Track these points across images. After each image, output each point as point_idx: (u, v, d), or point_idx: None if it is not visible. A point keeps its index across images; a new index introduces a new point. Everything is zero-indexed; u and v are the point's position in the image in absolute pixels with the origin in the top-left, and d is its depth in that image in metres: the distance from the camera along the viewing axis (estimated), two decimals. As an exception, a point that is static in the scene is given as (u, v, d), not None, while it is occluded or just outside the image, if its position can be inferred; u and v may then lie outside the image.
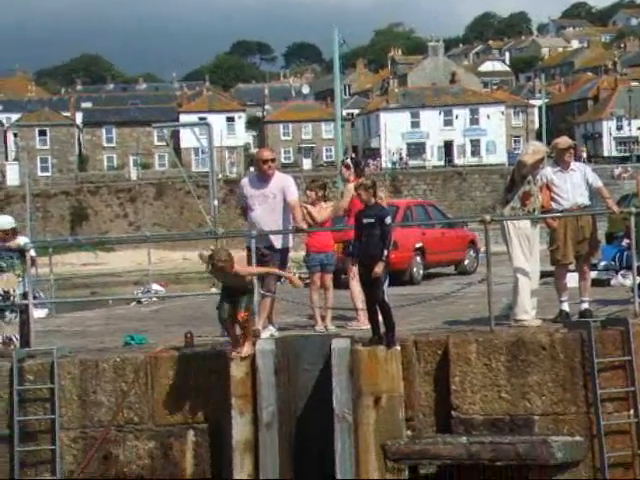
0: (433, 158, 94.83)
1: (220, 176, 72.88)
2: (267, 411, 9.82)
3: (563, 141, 11.61)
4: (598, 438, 9.71)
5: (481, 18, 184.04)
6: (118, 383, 10.26)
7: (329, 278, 11.98)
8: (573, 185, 11.31)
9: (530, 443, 9.67)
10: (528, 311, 10.84)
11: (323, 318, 11.78)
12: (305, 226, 11.53)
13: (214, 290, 28.50)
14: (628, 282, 13.86)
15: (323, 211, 12.11)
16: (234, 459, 9.83)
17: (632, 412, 9.84)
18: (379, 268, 9.96)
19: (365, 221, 10.17)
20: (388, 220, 10.18)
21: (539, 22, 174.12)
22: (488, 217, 10.87)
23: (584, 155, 77.94)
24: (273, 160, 11.52)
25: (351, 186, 11.42)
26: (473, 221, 24.08)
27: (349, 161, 12.65)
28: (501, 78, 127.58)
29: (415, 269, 18.62)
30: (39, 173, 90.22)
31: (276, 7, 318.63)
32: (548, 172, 11.37)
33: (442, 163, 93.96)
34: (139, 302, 36.43)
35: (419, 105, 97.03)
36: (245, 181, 11.74)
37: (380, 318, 10.09)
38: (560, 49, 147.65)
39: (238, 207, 11.71)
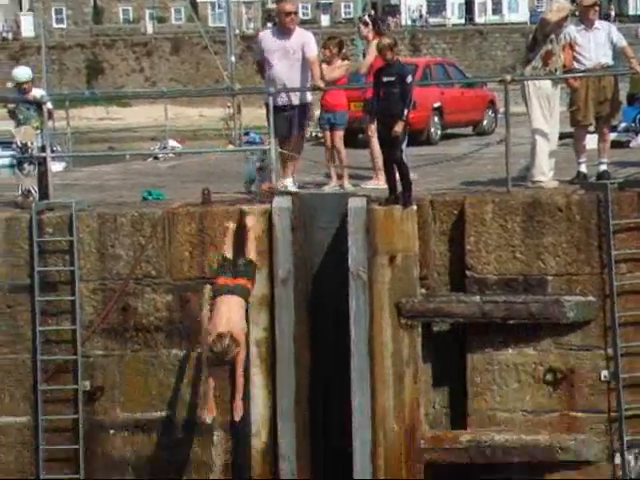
0: (454, 16, 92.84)
1: (237, 31, 71.72)
2: (283, 267, 9.93)
3: None
4: (610, 298, 9.81)
5: None
6: (136, 237, 10.33)
7: (338, 137, 11.92)
8: (596, 44, 11.10)
9: (543, 302, 9.80)
10: (545, 172, 10.81)
11: (340, 177, 11.80)
12: (322, 84, 11.39)
13: (231, 147, 28.60)
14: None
15: (337, 70, 11.97)
16: (250, 313, 9.99)
17: (645, 273, 9.91)
18: (399, 127, 9.90)
19: (385, 79, 10.05)
20: (409, 79, 10.06)
21: None
22: (508, 77, 10.71)
23: (612, 14, 75.79)
24: (295, 13, 11.35)
25: (374, 43, 11.24)
26: (493, 81, 23.86)
27: (367, 18, 12.42)
28: None
29: (433, 129, 18.50)
30: (54, 24, 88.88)
31: None
32: (571, 30, 11.15)
33: (463, 21, 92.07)
34: (156, 158, 36.57)
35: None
36: (265, 34, 11.55)
37: (397, 177, 10.09)
38: None
39: (255, 62, 11.51)
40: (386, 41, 10.22)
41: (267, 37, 11.37)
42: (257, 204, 10.33)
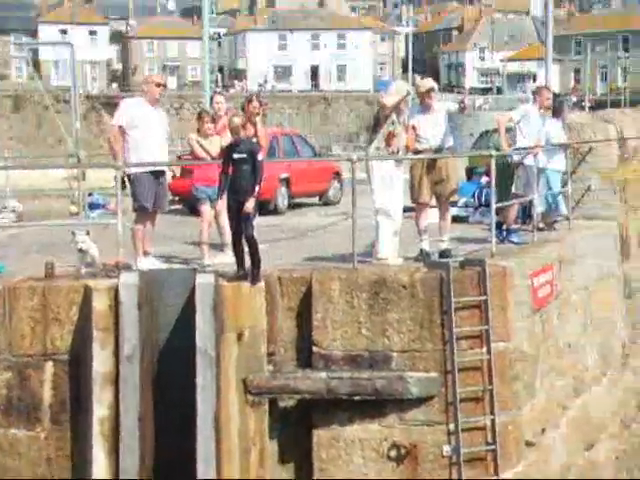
0: (300, 82, 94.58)
1: (81, 91, 70.84)
2: (129, 344, 9.76)
3: (423, 84, 11.86)
4: (452, 374, 10.06)
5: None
6: (-26, 312, 10.01)
7: (218, 211, 11.95)
8: (434, 126, 11.56)
9: (387, 378, 9.97)
10: (390, 250, 11.07)
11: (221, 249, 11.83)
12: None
13: (73, 209, 28.01)
14: (486, 220, 14.28)
15: (216, 143, 12.08)
16: (94, 391, 9.76)
17: (485, 349, 10.22)
18: (250, 203, 9.98)
19: (236, 156, 10.14)
20: (260, 156, 10.18)
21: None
22: (355, 156, 10.98)
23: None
24: (165, 86, 11.64)
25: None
26: (340, 160, 24.38)
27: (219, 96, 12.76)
28: (369, 3, 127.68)
29: (280, 199, 18.71)
30: None
31: None
32: (412, 113, 11.59)
33: (308, 87, 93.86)
34: (-6, 220, 35.42)
35: (287, 28, 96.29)
36: (131, 102, 11.46)
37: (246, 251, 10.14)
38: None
39: (114, 127, 11.16)
40: (237, 120, 10.32)
41: (134, 105, 11.28)
42: (104, 279, 10.17)
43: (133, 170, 11.02)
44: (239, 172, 10.08)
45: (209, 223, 12.03)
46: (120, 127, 11.10)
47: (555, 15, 33.97)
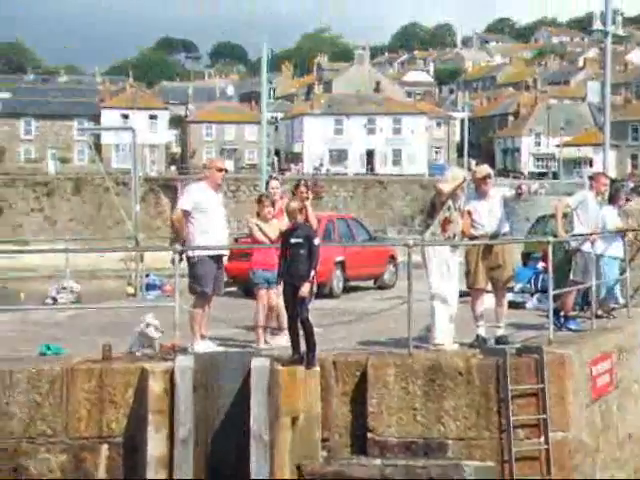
0: (355, 166, 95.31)
1: (140, 174, 72.10)
2: (184, 428, 9.77)
3: (480, 170, 11.90)
4: (509, 463, 9.89)
5: (407, 27, 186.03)
6: (32, 395, 10.10)
7: (275, 296, 11.99)
8: (490, 213, 11.55)
9: (443, 467, 9.83)
10: (446, 336, 10.99)
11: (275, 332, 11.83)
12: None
13: (130, 290, 28.26)
14: (543, 306, 14.14)
15: (275, 228, 12.18)
16: (148, 475, 9.76)
17: (542, 439, 10.05)
18: (305, 288, 10.02)
19: (293, 241, 10.22)
20: (316, 241, 10.25)
21: (464, 35, 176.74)
22: (411, 242, 10.99)
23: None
24: (227, 171, 11.85)
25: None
26: (397, 244, 24.39)
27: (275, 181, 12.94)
28: (424, 88, 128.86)
29: (335, 282, 18.74)
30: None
31: (202, 3, 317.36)
32: (469, 199, 11.61)
33: (364, 171, 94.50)
34: (54, 300, 35.84)
35: (343, 112, 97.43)
36: (196, 187, 11.57)
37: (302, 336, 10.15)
38: (483, 63, 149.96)
39: (180, 211, 11.31)
40: (295, 204, 10.43)
41: (198, 190, 11.41)
42: (159, 362, 10.22)
43: (197, 253, 11.11)
44: (296, 256, 10.16)
45: (264, 306, 12.07)
46: (185, 211, 11.26)
47: (612, 101, 33.99)
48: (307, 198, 12.87)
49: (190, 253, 11.13)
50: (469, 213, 11.44)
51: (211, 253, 11.17)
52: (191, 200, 11.23)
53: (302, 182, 13.28)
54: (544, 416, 10.04)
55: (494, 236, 11.56)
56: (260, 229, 12.20)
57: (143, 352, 10.71)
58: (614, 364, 11.79)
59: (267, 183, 13.36)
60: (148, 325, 10.76)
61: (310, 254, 10.14)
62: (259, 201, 12.54)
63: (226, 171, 11.76)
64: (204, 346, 11.00)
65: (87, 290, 40.39)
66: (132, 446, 10.06)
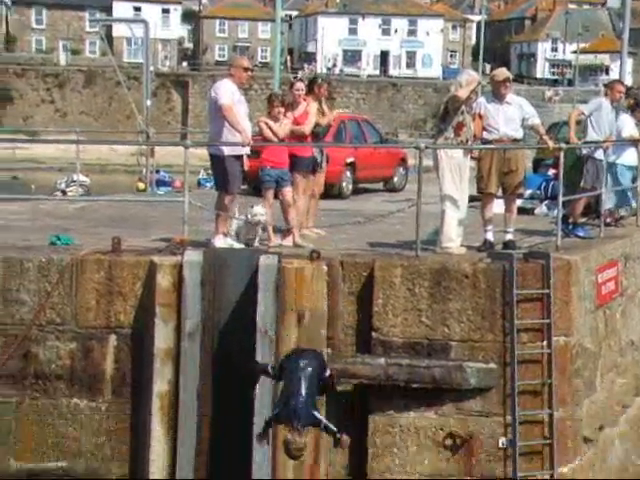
0: (368, 67, 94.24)
1: (152, 69, 71.45)
2: (191, 321, 9.90)
3: (499, 73, 11.73)
4: (511, 366, 10.00)
5: None
6: (42, 283, 10.20)
7: (289, 193, 12.01)
8: (506, 118, 11.42)
9: (446, 368, 9.95)
10: (453, 239, 11.02)
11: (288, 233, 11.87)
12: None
13: (141, 186, 28.29)
14: (552, 213, 14.14)
15: (284, 126, 12.13)
16: (155, 366, 9.91)
17: (545, 343, 10.14)
18: None
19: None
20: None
21: None
22: (423, 144, 10.92)
23: None
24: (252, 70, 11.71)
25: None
26: (408, 147, 24.25)
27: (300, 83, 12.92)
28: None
29: (345, 183, 18.74)
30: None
31: None
32: (483, 102, 11.48)
33: (377, 73, 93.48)
34: (64, 192, 35.95)
35: (358, 12, 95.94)
36: (228, 83, 11.34)
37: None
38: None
39: (222, 106, 11.11)
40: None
41: (231, 87, 11.20)
42: (168, 256, 10.30)
43: (227, 152, 11.03)
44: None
45: (272, 206, 12.07)
46: (227, 105, 10.92)
47: (633, 7, 33.34)
48: (325, 96, 12.81)
49: (219, 151, 11.03)
50: (480, 116, 11.32)
51: (238, 151, 11.09)
52: (229, 95, 11.06)
53: (319, 80, 13.17)
54: (548, 321, 10.11)
55: (511, 142, 11.43)
56: (269, 128, 12.14)
57: (247, 237, 11.16)
58: (620, 272, 11.84)
59: (291, 85, 13.20)
60: (255, 215, 11.12)
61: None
62: (269, 100, 12.46)
63: (252, 70, 11.57)
64: (224, 242, 11.03)
65: (96, 184, 40.56)
66: (139, 338, 10.20)
